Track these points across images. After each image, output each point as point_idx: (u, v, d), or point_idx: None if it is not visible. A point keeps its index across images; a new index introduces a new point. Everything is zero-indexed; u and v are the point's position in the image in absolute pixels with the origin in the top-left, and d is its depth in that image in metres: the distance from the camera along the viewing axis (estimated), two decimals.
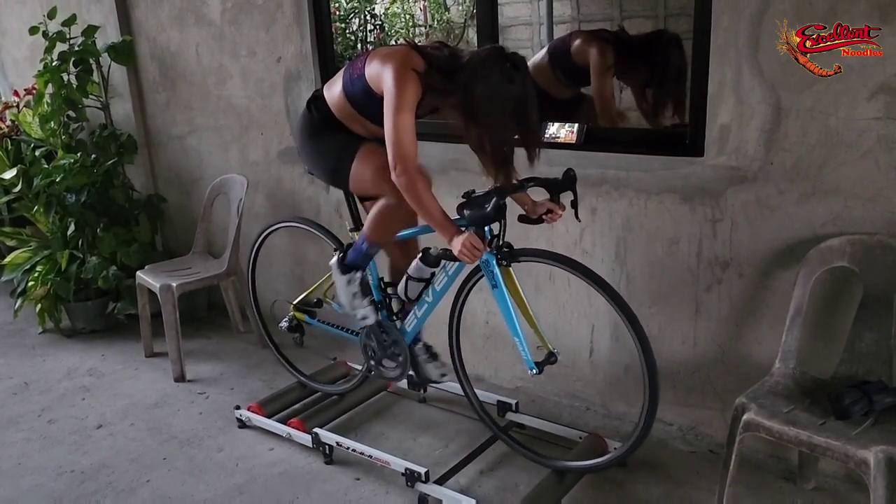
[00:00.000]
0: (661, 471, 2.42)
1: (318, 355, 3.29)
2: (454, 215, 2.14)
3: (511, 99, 1.98)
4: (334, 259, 2.53)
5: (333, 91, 2.28)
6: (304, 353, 3.15)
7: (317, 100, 2.34)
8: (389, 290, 2.56)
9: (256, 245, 2.97)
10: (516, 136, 2.05)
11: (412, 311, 2.45)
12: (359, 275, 2.47)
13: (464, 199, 2.12)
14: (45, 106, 3.73)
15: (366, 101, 2.18)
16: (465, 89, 2.00)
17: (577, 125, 2.68)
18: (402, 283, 2.44)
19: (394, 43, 5.30)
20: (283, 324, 2.82)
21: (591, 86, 3.09)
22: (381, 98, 2.08)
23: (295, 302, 2.83)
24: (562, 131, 2.71)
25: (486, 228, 2.14)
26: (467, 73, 2.00)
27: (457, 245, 2.04)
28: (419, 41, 5.21)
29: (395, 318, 2.54)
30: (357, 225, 2.55)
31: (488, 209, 2.05)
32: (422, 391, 2.93)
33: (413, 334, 2.49)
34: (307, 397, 2.93)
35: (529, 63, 3.32)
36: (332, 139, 2.32)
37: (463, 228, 2.09)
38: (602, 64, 3.01)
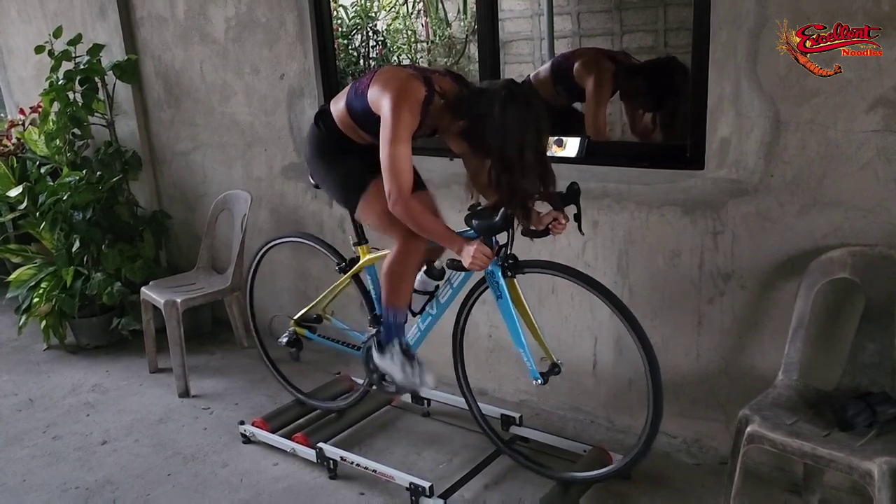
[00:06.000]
0: (666, 484, 2.41)
1: (322, 370, 3.30)
2: (457, 228, 2.17)
3: (525, 137, 1.98)
4: (372, 349, 2.48)
5: (339, 105, 2.33)
6: (307, 368, 3.15)
7: (323, 114, 2.38)
8: None
9: (256, 260, 2.99)
10: (529, 177, 2.03)
11: (415, 324, 2.46)
12: (396, 345, 2.39)
13: (470, 211, 2.14)
14: (51, 124, 3.76)
15: (365, 118, 2.22)
16: (474, 122, 2.01)
17: (578, 139, 2.70)
18: None
19: (396, 60, 5.34)
20: (283, 339, 2.83)
21: (586, 113, 3.09)
22: (380, 118, 2.12)
23: (296, 317, 2.84)
24: (563, 146, 2.72)
25: (493, 239, 2.16)
26: (479, 106, 2.00)
27: (467, 255, 2.07)
28: (421, 57, 5.27)
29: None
30: (360, 239, 2.57)
31: (496, 219, 2.08)
32: (426, 404, 2.93)
33: (417, 347, 2.50)
34: (311, 412, 2.93)
35: (531, 75, 3.37)
36: (342, 166, 2.35)
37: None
38: (598, 95, 3.02)
